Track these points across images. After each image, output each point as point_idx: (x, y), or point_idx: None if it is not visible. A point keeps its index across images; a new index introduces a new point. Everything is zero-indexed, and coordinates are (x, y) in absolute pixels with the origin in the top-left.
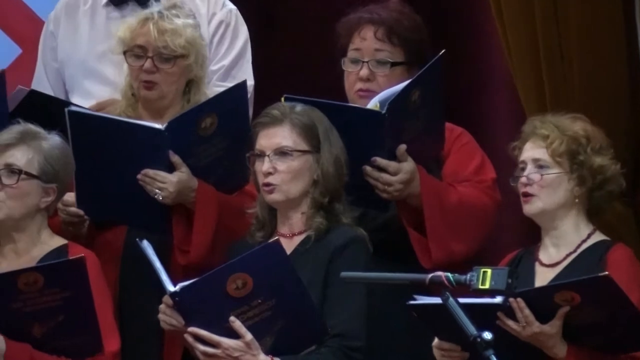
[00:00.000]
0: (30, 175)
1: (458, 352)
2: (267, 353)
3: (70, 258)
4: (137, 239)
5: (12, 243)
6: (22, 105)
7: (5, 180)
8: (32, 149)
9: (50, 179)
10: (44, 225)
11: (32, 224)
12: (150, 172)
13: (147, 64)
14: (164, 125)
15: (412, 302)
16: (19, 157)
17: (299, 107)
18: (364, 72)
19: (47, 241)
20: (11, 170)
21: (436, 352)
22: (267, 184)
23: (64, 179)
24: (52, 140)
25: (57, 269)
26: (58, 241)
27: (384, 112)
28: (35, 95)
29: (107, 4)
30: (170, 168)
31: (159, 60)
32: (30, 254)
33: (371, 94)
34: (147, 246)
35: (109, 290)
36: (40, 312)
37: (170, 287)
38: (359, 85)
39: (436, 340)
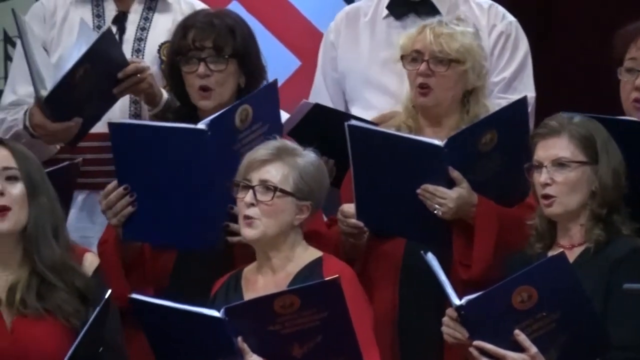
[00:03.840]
0: (285, 192)
1: None
2: None
3: (326, 280)
4: (421, 252)
5: (268, 260)
6: (306, 119)
7: (261, 197)
8: (287, 166)
9: (304, 196)
10: (298, 241)
11: (287, 241)
12: (430, 187)
13: (422, 66)
14: (444, 142)
15: None
16: (275, 173)
17: (577, 118)
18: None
19: (301, 255)
20: (266, 186)
21: None
22: (546, 196)
23: (318, 196)
24: (308, 156)
25: (312, 291)
26: (313, 254)
27: None
28: (319, 109)
29: (387, 16)
30: (450, 183)
31: (433, 63)
32: (285, 270)
33: None
34: (432, 258)
35: (368, 303)
36: (298, 334)
37: (456, 301)
38: (634, 94)
39: None
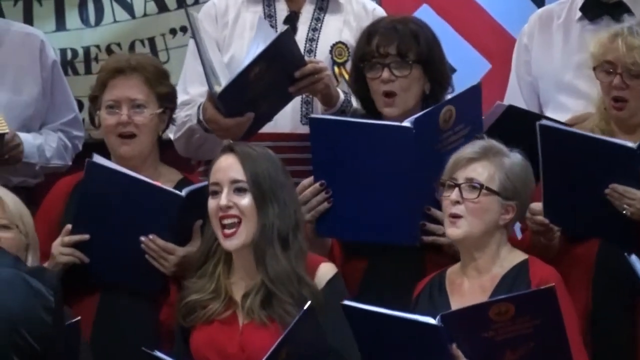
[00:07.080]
0: (491, 190)
1: None
2: None
3: (542, 288)
4: (625, 253)
5: (473, 261)
6: (501, 121)
7: (466, 195)
8: (494, 165)
9: (510, 196)
10: (504, 242)
11: (492, 242)
12: (620, 187)
13: (616, 80)
14: (637, 144)
15: None
16: (481, 171)
17: None
18: None
19: (506, 257)
20: (472, 185)
21: None
22: None
23: (524, 197)
24: (514, 157)
25: (528, 298)
26: (518, 256)
27: None
28: (513, 111)
29: (581, 18)
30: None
31: (627, 77)
32: (491, 272)
33: None
34: (636, 261)
35: (574, 307)
36: (511, 340)
37: None
38: None
39: None
